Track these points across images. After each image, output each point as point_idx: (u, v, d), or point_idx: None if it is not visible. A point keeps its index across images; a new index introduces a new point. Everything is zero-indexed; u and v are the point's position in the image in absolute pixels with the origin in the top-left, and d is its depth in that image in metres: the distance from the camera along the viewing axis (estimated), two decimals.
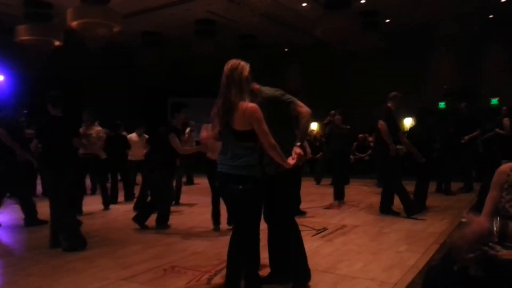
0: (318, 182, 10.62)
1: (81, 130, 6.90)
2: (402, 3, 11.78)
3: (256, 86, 3.24)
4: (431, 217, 6.24)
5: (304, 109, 3.20)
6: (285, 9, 12.35)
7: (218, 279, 3.59)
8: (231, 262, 2.97)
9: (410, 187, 6.64)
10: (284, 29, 14.16)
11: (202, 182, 10.76)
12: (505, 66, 12.89)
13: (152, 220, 5.81)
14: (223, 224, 5.50)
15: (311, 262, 3.38)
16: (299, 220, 6.07)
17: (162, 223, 5.78)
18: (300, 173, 3.47)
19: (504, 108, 8.85)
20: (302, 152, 2.94)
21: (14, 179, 5.90)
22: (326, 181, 10.17)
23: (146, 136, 8.56)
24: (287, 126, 3.26)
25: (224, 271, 3.16)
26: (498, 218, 2.23)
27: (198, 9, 12.49)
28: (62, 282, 3.61)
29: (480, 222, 2.09)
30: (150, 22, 13.57)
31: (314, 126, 15.96)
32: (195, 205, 7.74)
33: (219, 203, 5.43)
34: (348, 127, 7.90)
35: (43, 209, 5.57)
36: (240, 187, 2.83)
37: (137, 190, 7.75)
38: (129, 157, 8.50)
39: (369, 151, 11.72)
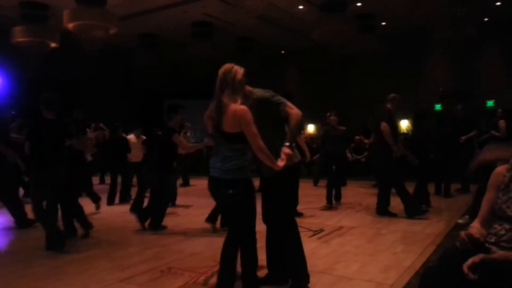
0: (315, 183, 10.64)
1: (89, 134, 6.91)
2: (398, 6, 11.83)
3: (248, 88, 3.25)
4: (428, 218, 6.25)
5: (293, 110, 3.18)
6: (281, 11, 12.36)
7: (215, 280, 3.55)
8: (224, 262, 2.98)
9: (409, 188, 6.67)
10: (281, 32, 14.17)
11: (198, 183, 10.78)
12: (501, 68, 12.97)
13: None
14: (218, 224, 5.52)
15: (308, 263, 3.39)
16: (297, 220, 6.11)
17: (156, 226, 5.76)
18: (297, 174, 3.47)
19: (500, 110, 8.87)
20: (290, 152, 2.92)
21: (3, 181, 5.91)
22: (323, 182, 10.17)
23: (144, 137, 8.57)
24: (278, 127, 3.26)
25: None
26: (494, 219, 2.25)
27: (195, 11, 12.47)
28: (59, 284, 3.60)
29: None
30: (146, 24, 13.54)
31: (311, 128, 16.00)
32: (191, 207, 7.74)
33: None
34: (344, 128, 7.84)
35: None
36: (230, 191, 2.84)
37: (133, 192, 7.74)
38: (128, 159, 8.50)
39: (365, 153, 11.75)
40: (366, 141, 10.09)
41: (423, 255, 4.31)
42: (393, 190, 6.63)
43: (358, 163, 12.09)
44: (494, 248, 2.13)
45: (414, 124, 12.32)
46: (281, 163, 2.88)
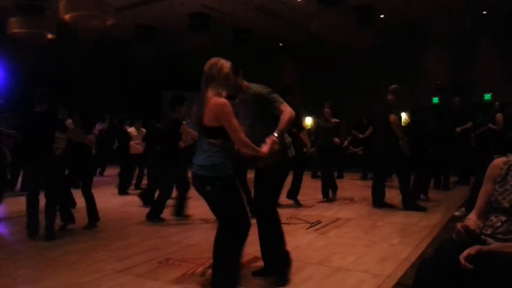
0: (313, 176, 10.68)
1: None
2: None
3: (245, 83, 3.29)
4: (424, 210, 6.28)
5: (288, 109, 3.20)
6: (279, 3, 12.31)
7: None
8: (215, 255, 2.97)
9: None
10: (278, 24, 14.11)
11: None
12: (498, 62, 12.97)
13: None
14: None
15: (305, 255, 3.41)
16: (293, 212, 6.15)
17: (154, 217, 5.78)
18: (288, 167, 3.47)
19: (497, 103, 8.90)
20: (275, 139, 2.92)
21: None
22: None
23: (144, 130, 8.60)
24: (272, 124, 3.25)
25: None
26: (491, 211, 2.26)
27: (192, 2, 12.40)
28: (57, 274, 3.62)
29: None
30: (143, 15, 13.46)
31: (308, 121, 15.99)
32: (189, 199, 7.72)
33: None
34: (337, 120, 7.67)
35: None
36: (208, 188, 2.80)
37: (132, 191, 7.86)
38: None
39: (361, 147, 11.71)
40: (360, 136, 10.00)
41: (419, 247, 4.34)
42: (387, 182, 6.64)
43: (355, 155, 12.09)
44: (490, 240, 2.15)
45: (410, 117, 12.33)
46: (265, 148, 2.86)
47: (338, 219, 5.81)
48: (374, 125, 8.28)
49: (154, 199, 6.14)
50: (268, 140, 2.90)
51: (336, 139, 8.62)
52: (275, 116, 3.20)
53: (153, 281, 3.46)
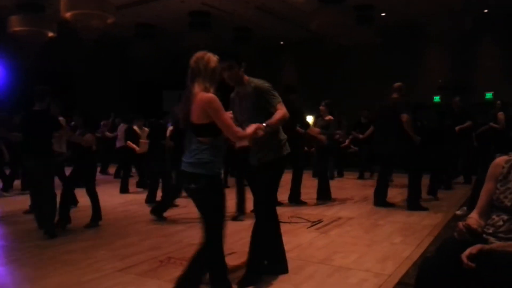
0: (313, 175, 10.65)
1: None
2: None
3: (245, 77, 3.31)
4: (426, 209, 6.27)
5: (283, 108, 3.22)
6: (280, 1, 12.30)
7: None
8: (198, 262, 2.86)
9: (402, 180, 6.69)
10: (279, 22, 14.09)
11: None
12: (500, 60, 12.94)
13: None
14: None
15: (306, 254, 3.41)
16: (295, 211, 6.14)
17: (158, 213, 5.79)
18: (283, 164, 3.46)
19: (499, 102, 8.87)
20: (262, 126, 2.83)
21: None
22: None
23: (147, 129, 8.59)
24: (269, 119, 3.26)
25: None
26: (492, 210, 2.26)
27: (192, 0, 12.40)
28: (58, 273, 3.61)
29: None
30: (143, 14, 13.45)
31: (309, 119, 15.96)
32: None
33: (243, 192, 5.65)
34: (331, 117, 7.55)
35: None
36: (193, 185, 2.70)
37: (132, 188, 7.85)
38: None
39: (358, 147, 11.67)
40: (361, 136, 9.95)
41: (420, 246, 4.33)
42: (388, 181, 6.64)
43: (355, 155, 12.07)
44: (491, 239, 2.15)
45: (411, 116, 12.32)
46: (249, 129, 2.77)
47: (339, 218, 5.80)
48: (374, 124, 8.26)
49: (156, 199, 6.16)
50: (255, 125, 2.80)
51: (339, 132, 8.55)
52: (271, 113, 3.20)
53: (154, 280, 3.45)
